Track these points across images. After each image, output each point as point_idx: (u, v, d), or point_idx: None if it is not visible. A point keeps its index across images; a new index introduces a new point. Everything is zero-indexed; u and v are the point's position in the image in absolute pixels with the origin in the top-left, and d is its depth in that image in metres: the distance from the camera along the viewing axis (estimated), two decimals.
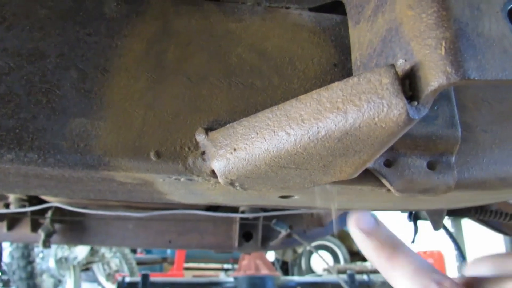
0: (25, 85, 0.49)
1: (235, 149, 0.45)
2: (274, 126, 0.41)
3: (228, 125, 0.47)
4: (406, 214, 1.17)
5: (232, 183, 0.48)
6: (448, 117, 0.51)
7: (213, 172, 0.49)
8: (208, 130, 0.49)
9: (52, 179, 0.53)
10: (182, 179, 0.52)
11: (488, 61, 0.33)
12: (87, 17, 0.54)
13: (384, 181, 0.52)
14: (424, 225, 1.16)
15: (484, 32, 0.33)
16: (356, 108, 0.35)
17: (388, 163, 0.52)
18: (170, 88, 0.52)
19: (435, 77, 0.33)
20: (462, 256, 1.29)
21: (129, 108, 0.50)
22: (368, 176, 0.53)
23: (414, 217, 1.13)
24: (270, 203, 0.74)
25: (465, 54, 0.32)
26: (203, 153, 0.49)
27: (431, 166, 0.52)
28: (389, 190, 0.54)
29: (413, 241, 1.14)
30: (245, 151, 0.44)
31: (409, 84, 0.36)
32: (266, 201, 0.71)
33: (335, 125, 0.36)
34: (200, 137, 0.49)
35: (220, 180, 0.48)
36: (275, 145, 0.41)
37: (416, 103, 0.35)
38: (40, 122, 0.48)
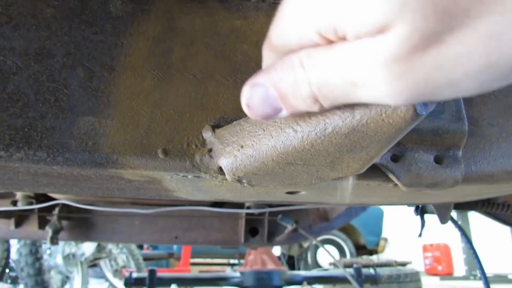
0: (33, 84, 0.49)
1: (242, 146, 0.45)
2: (281, 123, 0.41)
3: (234, 122, 0.47)
4: (413, 208, 1.17)
5: (239, 180, 0.48)
6: (454, 111, 0.51)
7: (220, 169, 0.49)
8: (215, 127, 0.50)
9: (61, 177, 0.54)
10: (190, 176, 0.52)
11: None
12: (92, 16, 0.54)
13: (391, 176, 0.52)
14: (431, 218, 1.16)
15: None
16: (363, 104, 0.35)
17: (395, 158, 0.52)
18: (176, 86, 0.52)
19: None
20: (472, 248, 1.28)
21: (136, 106, 0.50)
22: (375, 171, 0.53)
23: (421, 211, 1.12)
24: (277, 199, 0.74)
25: None
26: (210, 150, 0.50)
27: (438, 160, 0.52)
28: (396, 185, 0.54)
29: (420, 235, 1.14)
30: (252, 148, 0.44)
31: None
32: (272, 197, 0.71)
33: (342, 122, 0.36)
34: (207, 134, 0.50)
35: (227, 177, 0.48)
36: (282, 142, 0.41)
37: None
38: (48, 121, 0.48)
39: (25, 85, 0.49)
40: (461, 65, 0.26)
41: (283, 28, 0.33)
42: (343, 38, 0.29)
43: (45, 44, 0.51)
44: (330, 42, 0.30)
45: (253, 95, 0.35)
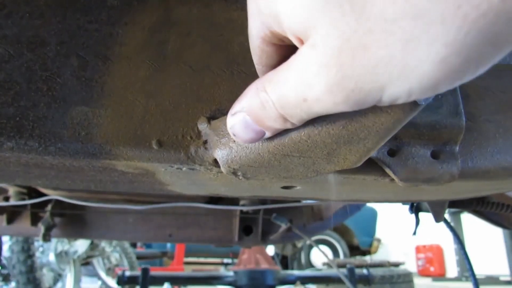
0: (25, 72, 0.48)
1: None
2: None
3: None
4: (407, 207, 1.17)
5: (234, 172, 0.48)
6: (452, 106, 0.51)
7: (215, 161, 0.49)
8: (210, 119, 0.49)
9: (53, 168, 0.53)
10: (184, 169, 0.52)
11: None
12: (87, 5, 0.53)
13: (388, 171, 0.52)
14: (424, 218, 1.16)
15: None
16: None
17: (392, 153, 0.51)
18: (171, 77, 0.51)
19: None
20: (463, 249, 1.29)
21: (130, 97, 0.50)
22: (372, 166, 0.52)
23: (416, 209, 1.12)
24: (272, 194, 0.73)
25: None
26: (205, 142, 0.49)
27: (435, 155, 0.52)
28: (392, 179, 0.54)
29: (414, 233, 1.14)
30: None
31: None
32: (268, 192, 0.71)
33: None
34: (202, 126, 0.49)
35: (222, 169, 0.47)
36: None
37: None
38: (40, 110, 0.47)
39: (17, 74, 0.48)
40: (384, 69, 0.26)
41: (249, 21, 0.36)
42: (285, 34, 0.31)
43: (39, 32, 0.50)
44: (280, 38, 0.32)
45: (234, 124, 0.37)
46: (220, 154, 0.46)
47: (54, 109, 0.48)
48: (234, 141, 0.45)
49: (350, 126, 0.37)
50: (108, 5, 0.53)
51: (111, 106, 0.49)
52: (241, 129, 0.37)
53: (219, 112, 0.50)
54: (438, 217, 0.99)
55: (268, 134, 0.38)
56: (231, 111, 0.38)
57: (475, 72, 0.26)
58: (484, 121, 0.57)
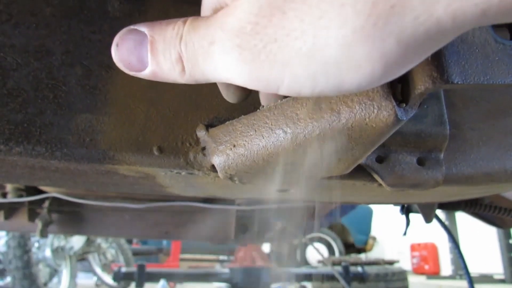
0: (32, 81, 0.51)
1: (234, 146, 0.47)
2: (271, 125, 0.43)
3: (227, 122, 0.49)
4: (398, 207, 1.20)
5: (231, 178, 0.50)
6: (437, 116, 0.54)
7: (213, 166, 0.51)
8: (208, 126, 0.52)
9: (58, 171, 0.55)
10: (183, 173, 0.54)
11: (470, 67, 0.35)
12: (91, 16, 0.55)
13: (376, 176, 0.54)
14: (418, 218, 1.19)
15: (468, 39, 0.36)
16: (348, 109, 0.37)
17: (380, 159, 0.54)
18: (171, 86, 0.54)
19: (422, 81, 0.35)
20: (456, 247, 1.32)
21: (132, 105, 0.52)
22: (361, 172, 0.55)
23: (406, 210, 1.15)
24: (267, 197, 0.76)
25: (450, 60, 0.35)
26: (203, 148, 0.52)
27: (420, 162, 0.54)
28: (380, 184, 0.56)
29: (405, 234, 1.17)
30: (244, 148, 0.46)
31: (401, 87, 0.38)
32: (263, 195, 0.74)
33: (329, 125, 0.39)
34: (201, 133, 0.52)
35: (219, 174, 0.50)
36: (272, 142, 0.43)
37: (404, 105, 0.37)
38: (47, 117, 0.50)
39: (24, 82, 0.50)
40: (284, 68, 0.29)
41: None
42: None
43: (45, 42, 0.53)
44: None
45: (128, 37, 0.36)
46: (217, 160, 0.49)
47: (60, 116, 0.50)
48: (231, 148, 0.47)
49: (339, 138, 0.40)
50: (110, 16, 0.56)
51: (114, 113, 0.52)
52: (129, 46, 0.36)
53: (217, 120, 0.53)
54: (428, 218, 1.02)
55: (146, 72, 0.36)
56: (133, 26, 0.37)
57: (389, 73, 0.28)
58: (468, 129, 0.60)
